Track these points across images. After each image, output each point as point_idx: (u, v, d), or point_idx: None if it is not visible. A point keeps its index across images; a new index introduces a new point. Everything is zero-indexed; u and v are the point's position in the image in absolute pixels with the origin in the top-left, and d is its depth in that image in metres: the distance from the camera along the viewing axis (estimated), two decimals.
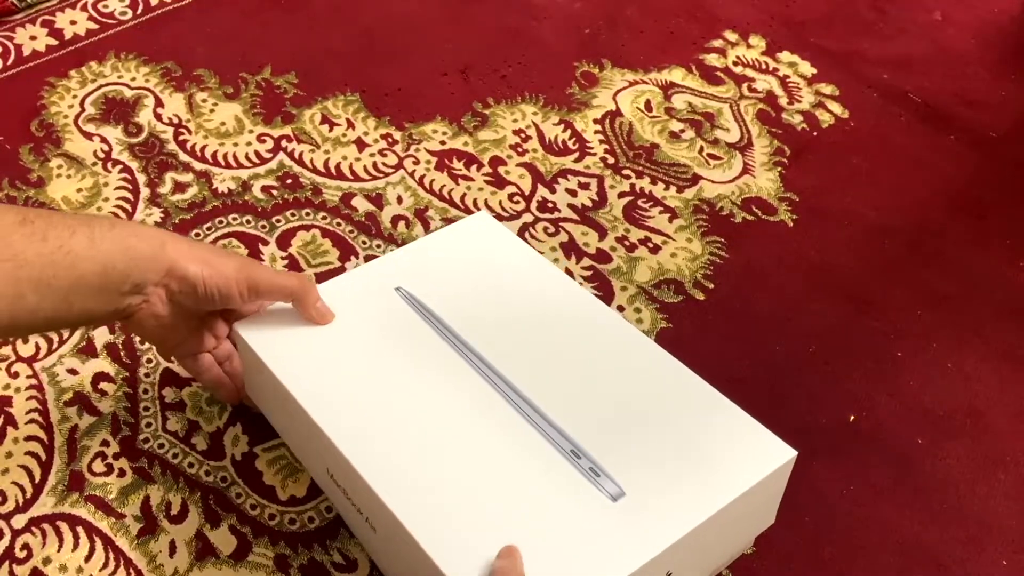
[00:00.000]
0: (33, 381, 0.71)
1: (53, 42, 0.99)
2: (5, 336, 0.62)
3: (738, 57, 1.03)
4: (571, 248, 0.82)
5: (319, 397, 0.55)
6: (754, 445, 0.53)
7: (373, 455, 0.52)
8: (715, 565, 0.58)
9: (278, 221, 0.83)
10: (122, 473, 0.66)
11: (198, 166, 0.87)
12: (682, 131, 0.93)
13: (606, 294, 0.78)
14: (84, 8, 1.03)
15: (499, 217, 0.84)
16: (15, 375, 0.71)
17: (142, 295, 0.55)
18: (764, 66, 1.02)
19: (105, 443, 0.67)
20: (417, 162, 0.88)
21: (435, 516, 0.49)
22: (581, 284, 0.79)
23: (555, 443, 0.52)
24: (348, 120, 0.92)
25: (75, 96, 0.93)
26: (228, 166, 0.87)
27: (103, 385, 0.71)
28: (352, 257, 0.80)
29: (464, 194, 0.86)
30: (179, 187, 0.85)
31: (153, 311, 0.56)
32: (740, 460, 0.52)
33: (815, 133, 0.95)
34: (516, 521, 0.48)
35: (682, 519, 0.48)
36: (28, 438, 0.68)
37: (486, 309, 0.61)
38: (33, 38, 0.99)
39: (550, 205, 0.85)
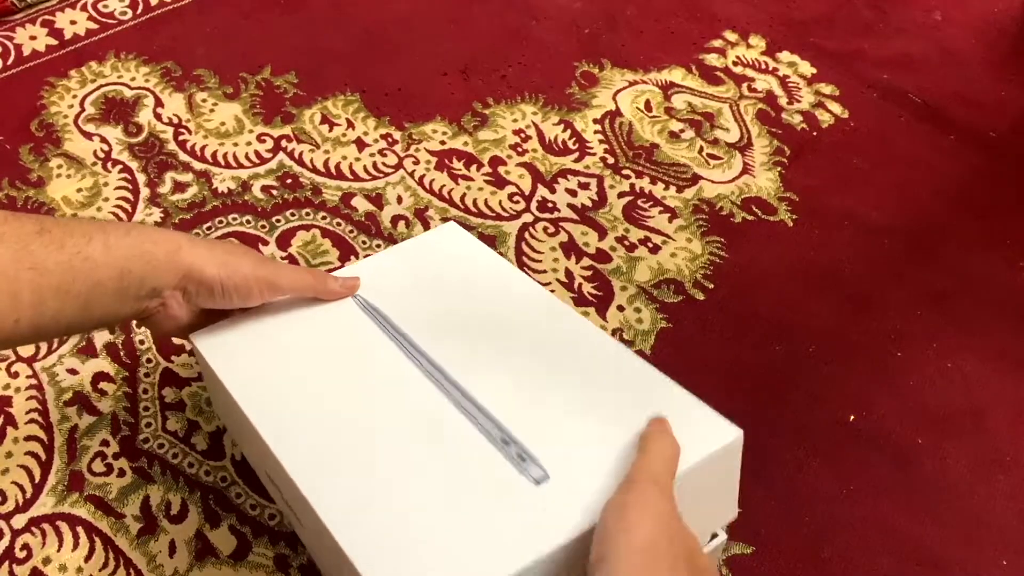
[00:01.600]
0: (33, 381, 0.71)
1: (53, 42, 0.99)
2: (29, 342, 0.63)
3: (738, 57, 1.03)
4: (571, 248, 0.82)
5: (255, 396, 0.56)
6: (697, 426, 0.51)
7: (299, 449, 0.52)
8: None
9: (278, 221, 0.83)
10: (122, 473, 0.66)
11: (198, 166, 0.87)
12: (682, 131, 0.93)
13: (606, 294, 0.78)
14: (84, 8, 1.03)
15: (499, 217, 0.84)
16: (15, 375, 0.71)
17: (159, 298, 0.56)
18: (764, 66, 1.02)
19: (105, 443, 0.67)
20: (417, 162, 0.88)
21: (355, 510, 0.48)
22: (580, 284, 0.79)
23: (487, 432, 0.52)
24: (348, 120, 0.92)
25: (75, 96, 0.93)
26: (228, 166, 0.87)
27: (103, 385, 0.71)
28: (352, 257, 0.80)
29: (464, 194, 0.86)
30: (179, 187, 0.85)
31: (170, 313, 0.57)
32: (679, 441, 0.50)
33: (815, 133, 0.95)
34: (437, 513, 0.48)
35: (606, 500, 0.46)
36: (28, 438, 0.68)
37: (441, 312, 0.61)
38: (33, 38, 0.99)
39: (550, 205, 0.85)
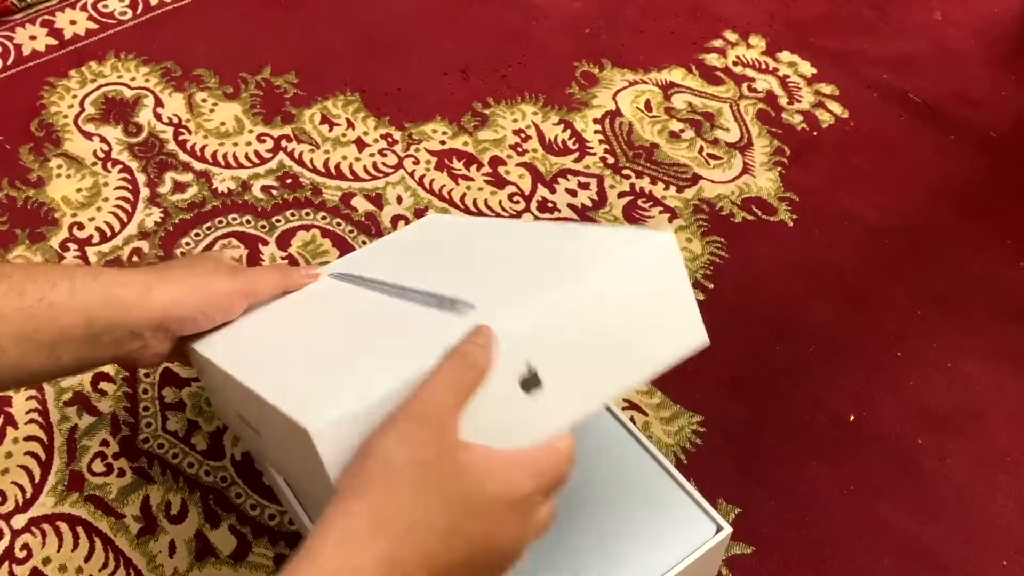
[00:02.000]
0: None
1: (53, 42, 0.99)
2: None
3: (738, 57, 1.03)
4: None
5: (229, 349, 0.55)
6: (624, 240, 0.50)
7: (253, 360, 0.52)
8: (608, 380, 0.49)
9: (278, 221, 0.83)
10: (122, 473, 0.66)
11: (198, 166, 0.87)
12: (682, 131, 0.93)
13: None
14: (84, 8, 1.03)
15: (499, 217, 0.84)
16: None
17: (140, 341, 0.54)
18: (764, 66, 1.02)
19: (105, 443, 0.67)
20: (417, 162, 0.88)
21: (289, 381, 0.48)
22: None
23: (428, 303, 0.51)
24: (348, 120, 0.92)
25: (75, 96, 0.93)
26: (228, 166, 0.87)
27: (103, 385, 0.71)
28: None
29: (464, 194, 0.86)
30: (179, 187, 0.85)
31: (155, 351, 0.55)
32: (613, 256, 0.48)
33: (815, 133, 0.95)
34: (376, 364, 0.47)
35: (534, 307, 0.45)
36: (28, 438, 0.68)
37: (415, 256, 0.62)
38: (33, 38, 0.99)
39: (550, 205, 0.85)
